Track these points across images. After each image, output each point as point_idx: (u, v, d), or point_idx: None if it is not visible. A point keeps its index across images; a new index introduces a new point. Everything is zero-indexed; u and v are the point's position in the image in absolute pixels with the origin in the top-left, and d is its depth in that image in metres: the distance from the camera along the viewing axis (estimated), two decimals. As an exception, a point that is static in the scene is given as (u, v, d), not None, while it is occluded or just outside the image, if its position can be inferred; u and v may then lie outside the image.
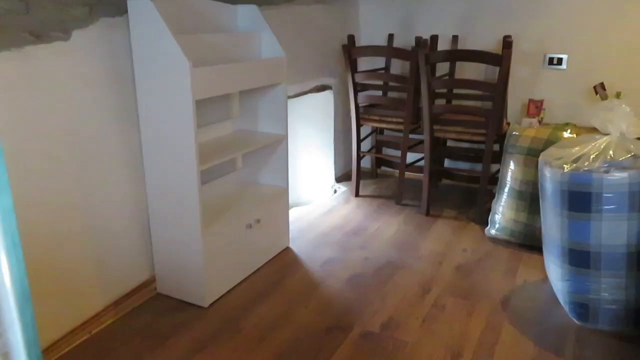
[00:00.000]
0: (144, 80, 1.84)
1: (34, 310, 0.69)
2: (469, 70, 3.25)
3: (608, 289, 1.84)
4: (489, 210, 2.70)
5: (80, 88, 1.70)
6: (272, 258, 2.44)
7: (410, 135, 3.05)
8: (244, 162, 2.57)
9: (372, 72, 3.30)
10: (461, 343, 1.83)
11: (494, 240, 2.64)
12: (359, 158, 3.25)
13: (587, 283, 1.87)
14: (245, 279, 2.26)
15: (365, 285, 2.20)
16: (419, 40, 2.95)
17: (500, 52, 2.62)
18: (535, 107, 2.97)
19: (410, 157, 3.35)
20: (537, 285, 2.22)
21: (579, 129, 2.64)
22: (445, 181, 3.53)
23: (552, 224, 1.97)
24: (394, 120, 3.08)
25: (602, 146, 1.88)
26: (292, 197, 2.83)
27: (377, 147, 3.64)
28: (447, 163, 3.53)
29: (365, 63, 3.42)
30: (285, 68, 2.29)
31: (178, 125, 1.82)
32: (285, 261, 2.43)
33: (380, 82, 3.33)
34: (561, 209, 1.90)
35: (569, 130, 2.54)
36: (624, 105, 1.90)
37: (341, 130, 3.53)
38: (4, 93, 1.48)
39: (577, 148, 1.94)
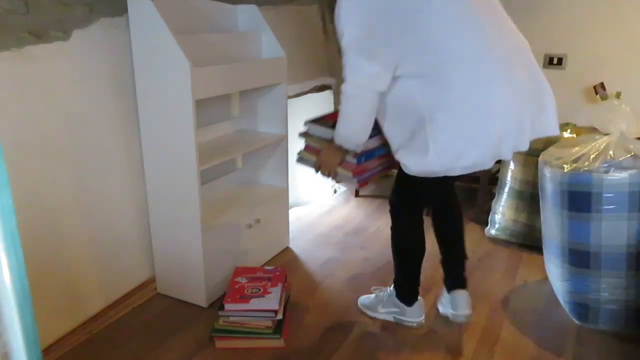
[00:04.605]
0: (144, 80, 1.84)
1: (34, 310, 0.69)
2: (469, 70, 3.24)
3: (608, 289, 1.84)
4: (489, 210, 2.70)
5: (80, 88, 1.70)
6: (272, 258, 2.44)
7: (410, 135, 3.04)
8: (244, 162, 2.57)
9: (372, 72, 3.29)
10: (461, 343, 1.83)
11: (494, 240, 2.64)
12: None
13: (587, 283, 1.87)
14: (245, 279, 2.26)
15: (365, 285, 2.19)
16: (419, 40, 2.95)
17: (500, 52, 2.61)
18: (535, 107, 2.97)
19: (410, 157, 3.34)
20: (537, 285, 2.22)
21: (579, 129, 2.64)
22: (445, 181, 3.52)
23: (552, 224, 1.96)
24: (394, 120, 3.07)
25: (602, 146, 1.88)
26: (292, 197, 2.82)
27: (377, 147, 3.64)
28: (447, 163, 3.52)
29: (365, 63, 3.41)
30: (285, 68, 2.29)
31: (178, 125, 1.81)
32: (285, 261, 2.43)
33: (380, 82, 3.32)
34: (561, 209, 1.90)
35: (569, 130, 2.54)
36: (624, 105, 1.90)
37: (341, 130, 3.52)
38: (4, 93, 1.48)
39: (577, 148, 1.94)
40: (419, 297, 1.92)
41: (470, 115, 1.46)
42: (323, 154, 1.73)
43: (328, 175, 1.74)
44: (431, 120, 1.47)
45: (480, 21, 1.47)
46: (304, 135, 1.86)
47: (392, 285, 1.95)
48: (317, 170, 1.77)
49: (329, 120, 1.81)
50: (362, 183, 1.77)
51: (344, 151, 1.67)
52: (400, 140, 1.58)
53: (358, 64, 1.46)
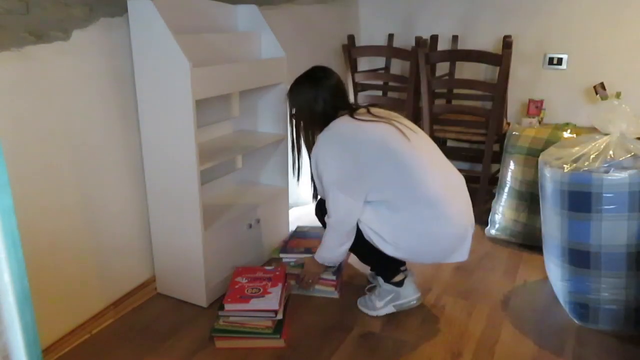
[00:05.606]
0: (144, 80, 1.84)
1: (34, 310, 0.69)
2: (469, 70, 3.25)
3: (608, 289, 1.84)
4: (489, 210, 2.70)
5: (80, 88, 1.70)
6: (272, 258, 2.44)
7: (410, 135, 3.05)
8: (244, 162, 2.57)
9: (372, 72, 3.30)
10: (461, 343, 1.83)
11: (494, 240, 2.64)
12: (359, 158, 3.25)
13: (587, 283, 1.87)
14: (245, 279, 2.25)
15: (365, 286, 2.19)
16: (419, 40, 2.95)
17: (500, 52, 2.61)
18: (535, 107, 2.97)
19: (410, 157, 3.34)
20: (537, 285, 2.22)
21: (579, 129, 2.64)
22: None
23: (552, 224, 1.97)
24: (394, 120, 3.07)
25: (602, 146, 1.88)
26: (292, 197, 2.82)
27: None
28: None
29: (365, 63, 3.42)
30: (285, 68, 2.29)
31: (178, 126, 1.81)
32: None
33: (380, 82, 3.33)
34: (561, 209, 1.90)
35: (569, 130, 2.54)
36: (624, 105, 1.90)
37: (341, 130, 3.52)
38: (4, 93, 1.48)
39: (577, 148, 1.94)
40: (406, 274, 1.98)
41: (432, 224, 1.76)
42: (307, 266, 2.06)
43: (311, 283, 2.07)
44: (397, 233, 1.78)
45: (430, 157, 1.83)
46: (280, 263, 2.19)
47: (378, 278, 2.02)
48: (301, 281, 2.07)
49: (299, 247, 2.23)
50: (340, 294, 2.11)
51: (325, 266, 2.03)
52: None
53: (338, 198, 1.79)
